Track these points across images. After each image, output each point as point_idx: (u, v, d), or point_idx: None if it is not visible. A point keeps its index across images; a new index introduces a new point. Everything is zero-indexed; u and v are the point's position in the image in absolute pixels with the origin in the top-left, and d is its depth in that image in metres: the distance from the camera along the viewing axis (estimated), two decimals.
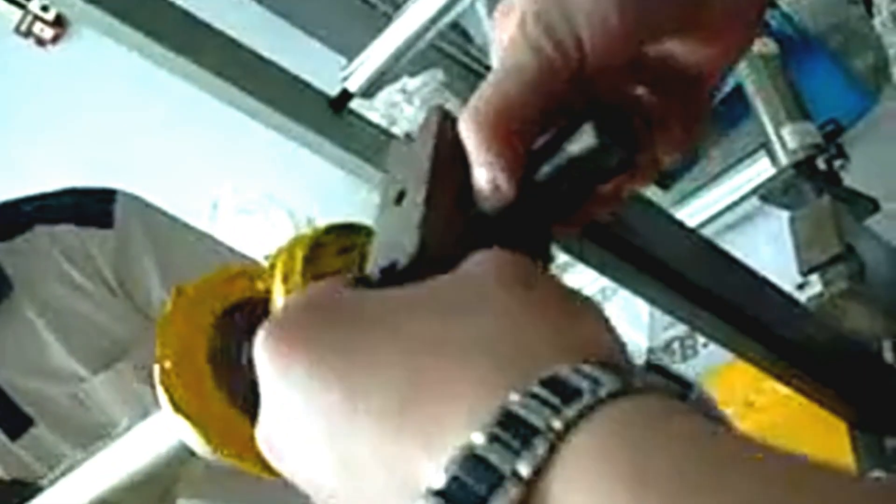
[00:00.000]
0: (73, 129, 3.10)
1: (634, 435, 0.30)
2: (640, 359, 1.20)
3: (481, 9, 1.83)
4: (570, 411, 0.31)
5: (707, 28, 0.46)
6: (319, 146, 1.21)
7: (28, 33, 3.14)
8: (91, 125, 3.11)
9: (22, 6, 3.12)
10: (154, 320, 1.43)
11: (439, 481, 0.31)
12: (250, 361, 0.58)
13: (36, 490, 0.87)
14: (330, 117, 1.20)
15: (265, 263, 0.60)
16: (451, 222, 0.44)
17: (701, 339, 1.13)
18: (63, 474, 0.76)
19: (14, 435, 1.41)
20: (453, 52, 3.64)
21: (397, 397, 0.35)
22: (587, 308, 0.37)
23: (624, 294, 0.66)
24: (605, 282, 0.74)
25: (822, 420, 0.72)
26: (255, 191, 3.16)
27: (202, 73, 1.10)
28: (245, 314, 0.61)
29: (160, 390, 0.58)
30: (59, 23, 3.13)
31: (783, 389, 0.71)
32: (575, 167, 0.44)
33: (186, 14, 1.10)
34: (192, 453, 0.59)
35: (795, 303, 0.72)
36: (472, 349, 0.35)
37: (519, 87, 0.43)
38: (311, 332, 0.39)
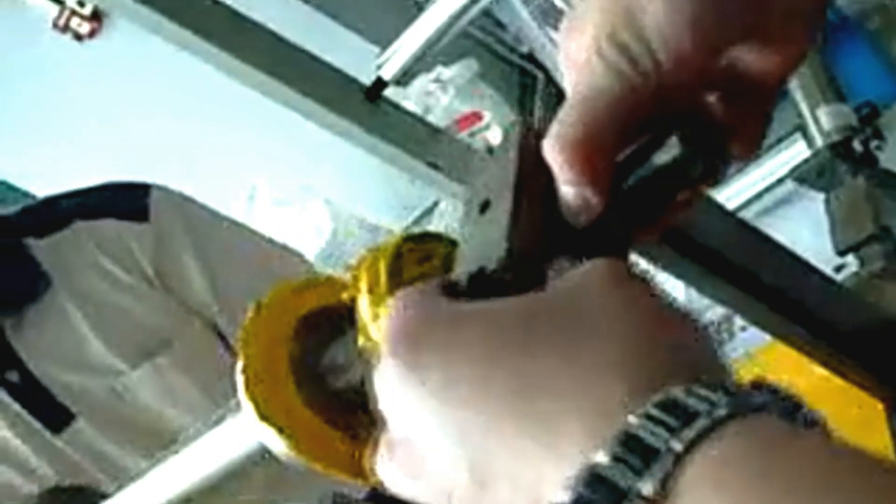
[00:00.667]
0: (110, 123, 3.12)
1: (751, 457, 0.31)
2: None
3: None
4: (689, 433, 0.32)
5: (770, 34, 0.47)
6: (355, 135, 1.22)
7: (66, 28, 3.17)
8: (128, 119, 3.13)
9: (59, 1, 3.14)
10: (195, 311, 1.45)
11: (564, 498, 0.32)
12: (328, 368, 0.60)
13: (99, 496, 0.88)
14: (365, 106, 1.21)
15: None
16: (537, 230, 0.46)
17: (738, 323, 1.13)
18: (131, 480, 0.78)
19: (56, 429, 1.42)
20: (487, 42, 3.64)
21: (523, 409, 0.36)
22: (688, 319, 0.38)
23: (660, 277, 0.66)
24: (642, 264, 0.74)
25: (861, 401, 0.72)
26: (291, 182, 3.17)
27: (238, 64, 1.11)
28: (320, 324, 0.63)
29: (245, 400, 0.60)
30: (96, 17, 3.15)
31: (822, 371, 0.71)
32: (662, 177, 0.46)
33: (223, 6, 1.11)
34: (272, 458, 0.61)
35: (834, 285, 0.72)
36: (595, 366, 0.36)
37: (601, 110, 0.45)
38: (439, 340, 0.40)
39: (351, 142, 1.24)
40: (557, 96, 1.95)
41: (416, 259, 0.57)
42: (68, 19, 3.16)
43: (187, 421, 1.41)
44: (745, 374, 0.92)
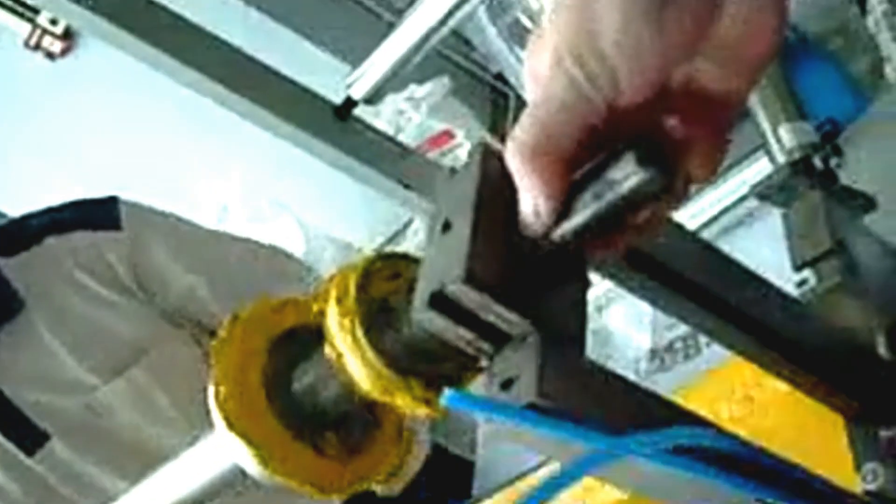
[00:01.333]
0: (81, 142, 3.11)
1: None
2: (644, 360, 1.21)
3: (483, 16, 1.84)
4: None
5: (725, 48, 0.47)
6: (326, 153, 1.23)
7: (37, 47, 3.16)
8: (100, 137, 3.12)
9: (31, 20, 3.14)
10: (176, 314, 1.45)
11: None
12: (300, 385, 0.61)
13: None
14: (335, 124, 1.22)
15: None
16: (497, 249, 0.47)
17: (703, 339, 1.14)
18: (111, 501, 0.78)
19: (30, 451, 1.41)
20: (460, 60, 3.65)
21: None
22: None
23: (628, 296, 0.67)
24: (609, 285, 0.75)
25: (822, 414, 0.73)
26: (263, 199, 3.17)
27: (209, 82, 1.12)
28: (295, 342, 0.64)
29: (215, 411, 0.60)
30: (69, 36, 3.15)
31: (783, 385, 0.72)
32: (615, 195, 0.46)
33: (192, 25, 1.12)
34: (245, 476, 0.61)
35: (792, 300, 0.73)
36: None
37: (557, 119, 0.46)
38: None
39: (321, 160, 1.25)
40: None
41: (385, 276, 0.58)
42: (40, 38, 3.15)
43: (165, 435, 1.41)
44: (711, 387, 0.93)
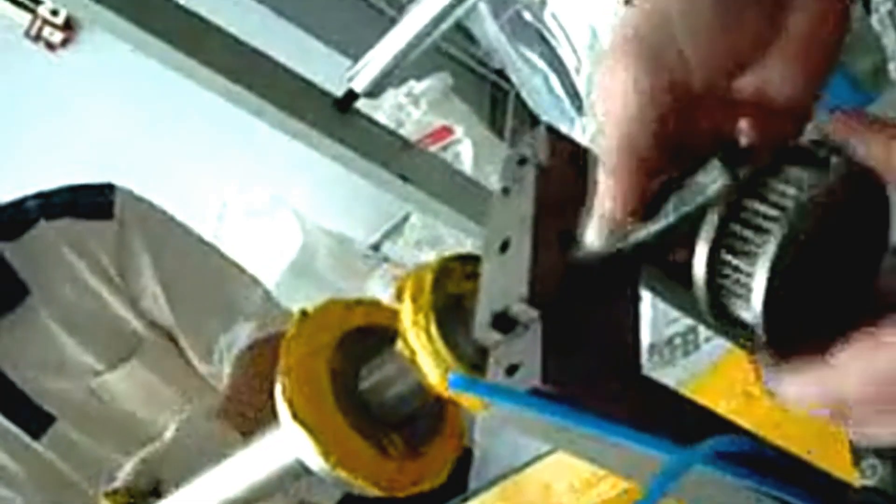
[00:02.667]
0: (82, 133, 3.12)
1: None
2: (643, 355, 1.21)
3: (485, 10, 1.84)
4: None
5: (794, 40, 0.48)
6: (325, 146, 1.23)
7: (38, 37, 3.16)
8: (100, 128, 3.13)
9: (31, 10, 3.14)
10: (146, 313, 1.45)
11: None
12: (367, 384, 0.62)
13: None
14: (336, 117, 1.22)
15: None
16: (555, 267, 0.48)
17: (702, 335, 1.15)
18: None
19: (36, 434, 1.43)
20: (460, 56, 3.66)
21: None
22: None
23: None
24: None
25: None
26: (262, 193, 3.17)
27: (210, 73, 1.12)
28: (364, 340, 0.65)
29: (280, 404, 0.61)
30: (69, 26, 3.15)
31: None
32: (704, 198, 0.45)
33: (194, 16, 1.12)
34: (307, 471, 0.61)
35: None
36: None
37: (637, 131, 0.46)
38: None
39: (321, 153, 1.25)
40: (528, 111, 1.97)
41: (459, 276, 0.59)
42: (40, 28, 3.15)
43: (162, 419, 1.41)
44: (710, 382, 0.93)
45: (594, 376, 0.44)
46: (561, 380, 0.42)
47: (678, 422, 0.47)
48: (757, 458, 0.45)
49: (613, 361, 0.47)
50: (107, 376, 1.43)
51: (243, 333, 1.44)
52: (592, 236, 0.48)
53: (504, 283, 0.47)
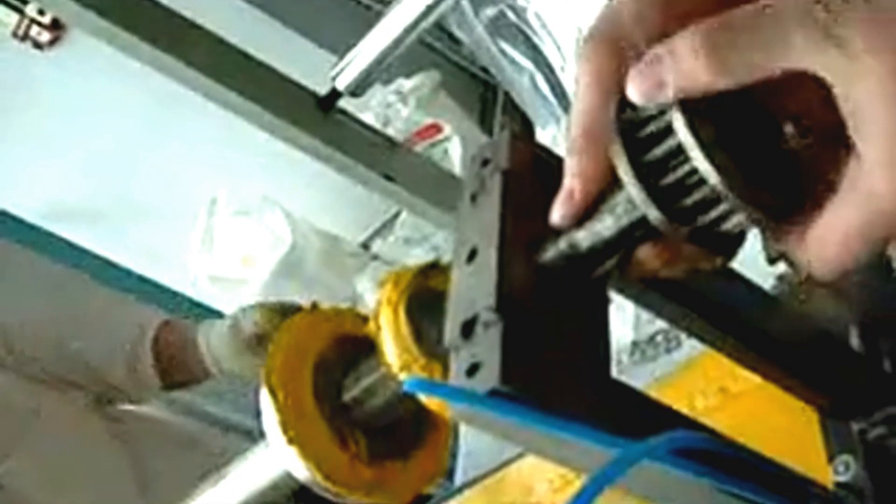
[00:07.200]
0: (70, 133, 3.11)
1: None
2: (625, 353, 1.22)
3: (468, 9, 1.84)
4: None
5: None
6: (309, 146, 1.22)
7: (25, 37, 3.15)
8: (88, 128, 3.12)
9: (19, 10, 3.13)
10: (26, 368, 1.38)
11: None
12: (349, 391, 0.62)
13: None
14: (319, 116, 1.22)
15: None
16: (523, 276, 0.48)
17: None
18: None
19: None
20: (448, 53, 3.65)
21: None
22: None
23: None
24: None
25: (795, 406, 0.74)
26: (251, 192, 3.17)
27: (192, 72, 1.12)
28: (347, 349, 0.66)
29: (267, 411, 0.61)
30: (57, 26, 3.14)
31: (757, 378, 0.73)
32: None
33: (175, 15, 1.12)
34: (293, 479, 0.63)
35: (765, 294, 0.73)
36: None
37: (589, 95, 0.47)
38: None
39: (305, 152, 1.25)
40: (518, 109, 1.97)
41: (445, 277, 0.59)
42: (28, 28, 3.14)
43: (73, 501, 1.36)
44: (686, 379, 0.93)
45: (556, 377, 0.45)
46: (521, 381, 0.42)
47: (642, 423, 0.47)
48: (715, 454, 0.45)
49: (579, 363, 0.47)
50: (7, 464, 1.33)
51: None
52: (556, 216, 0.47)
53: (472, 294, 0.48)
